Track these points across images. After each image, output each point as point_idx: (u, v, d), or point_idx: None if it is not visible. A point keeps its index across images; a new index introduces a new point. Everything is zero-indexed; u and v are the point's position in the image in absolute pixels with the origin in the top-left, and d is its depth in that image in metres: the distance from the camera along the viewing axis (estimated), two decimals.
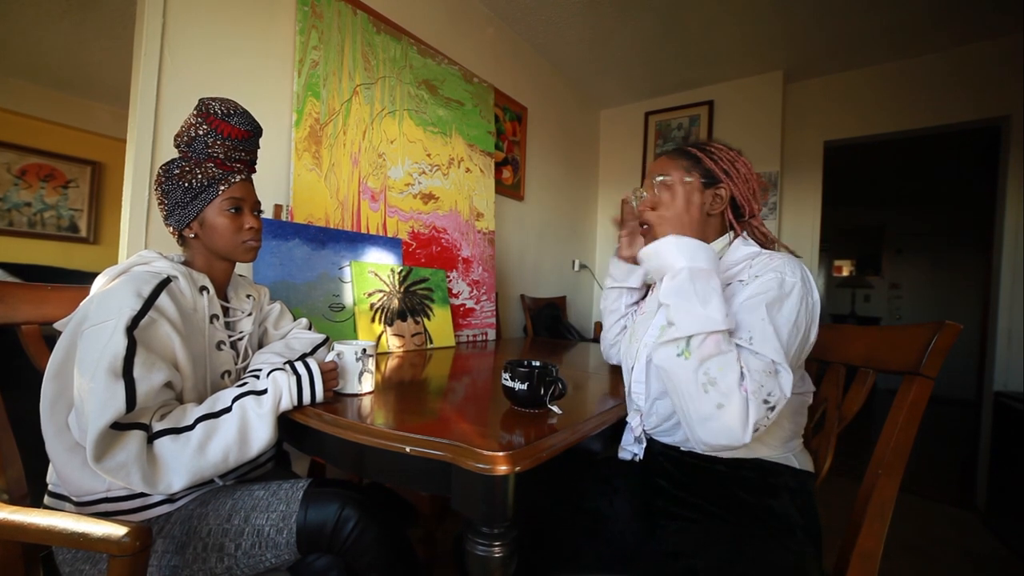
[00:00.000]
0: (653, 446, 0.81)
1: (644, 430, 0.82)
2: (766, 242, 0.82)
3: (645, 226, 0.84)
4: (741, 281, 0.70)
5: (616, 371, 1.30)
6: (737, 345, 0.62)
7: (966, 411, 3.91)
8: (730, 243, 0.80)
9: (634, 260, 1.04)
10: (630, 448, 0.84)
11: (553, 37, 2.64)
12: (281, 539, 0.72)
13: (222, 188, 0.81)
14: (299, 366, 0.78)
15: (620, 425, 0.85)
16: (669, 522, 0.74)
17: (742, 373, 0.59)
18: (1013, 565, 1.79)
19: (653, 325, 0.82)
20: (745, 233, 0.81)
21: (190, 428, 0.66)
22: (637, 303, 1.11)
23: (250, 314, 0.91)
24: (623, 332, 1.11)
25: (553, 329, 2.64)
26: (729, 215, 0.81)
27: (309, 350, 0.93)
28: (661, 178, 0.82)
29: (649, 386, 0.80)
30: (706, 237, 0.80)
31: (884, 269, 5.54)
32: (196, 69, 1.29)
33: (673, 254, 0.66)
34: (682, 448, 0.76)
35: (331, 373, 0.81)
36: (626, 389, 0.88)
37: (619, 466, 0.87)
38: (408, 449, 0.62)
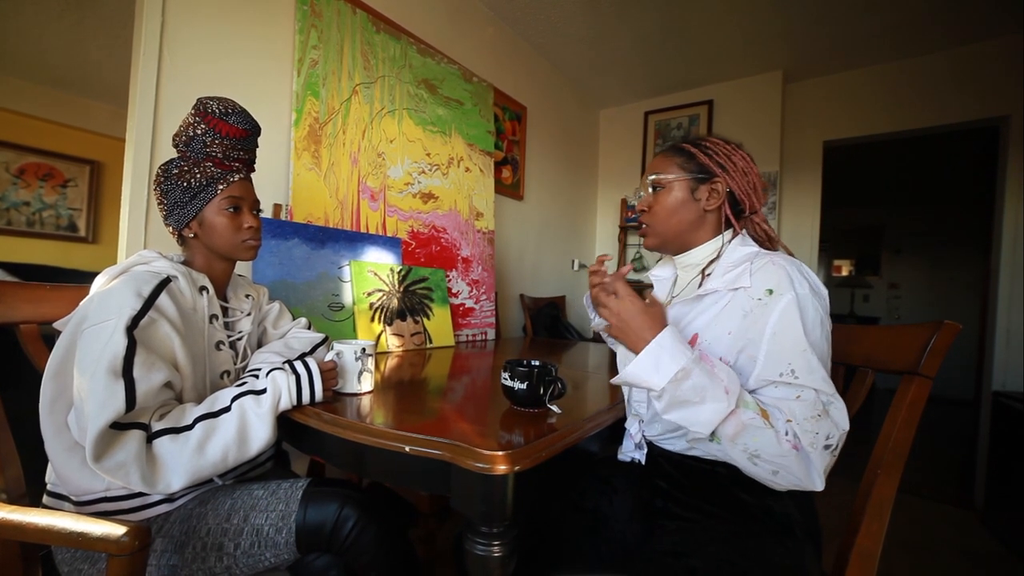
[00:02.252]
0: (653, 448, 0.81)
1: (644, 436, 0.82)
2: (767, 241, 0.79)
3: (643, 225, 0.84)
4: (747, 288, 0.68)
5: (615, 371, 1.30)
6: (778, 384, 0.61)
7: (965, 411, 3.91)
8: (727, 242, 0.78)
9: None
10: (630, 453, 0.84)
11: (553, 36, 2.64)
12: (280, 539, 0.72)
13: (221, 187, 0.81)
14: (298, 365, 0.78)
15: (620, 425, 0.85)
16: (669, 522, 0.74)
17: (779, 429, 0.58)
18: (1012, 564, 1.79)
19: None
20: (744, 232, 0.79)
21: (189, 428, 0.66)
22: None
23: (249, 314, 0.91)
24: None
25: (552, 329, 2.65)
26: (727, 210, 0.78)
27: (308, 349, 0.93)
28: (653, 177, 0.81)
29: (650, 402, 0.78)
30: (701, 236, 0.80)
31: (883, 269, 5.55)
32: (195, 68, 1.29)
33: (642, 378, 0.62)
34: (679, 452, 0.76)
35: (330, 372, 0.81)
36: (625, 397, 0.87)
37: (619, 466, 0.86)
38: (407, 448, 0.62)
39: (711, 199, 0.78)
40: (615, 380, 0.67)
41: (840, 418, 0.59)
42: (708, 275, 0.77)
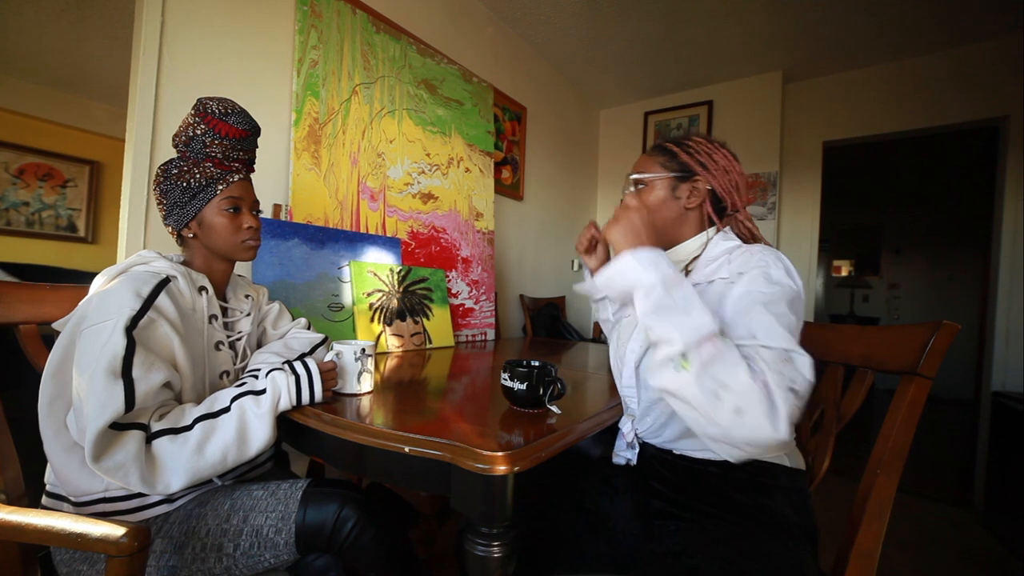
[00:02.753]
0: (646, 450, 0.81)
1: (636, 435, 0.82)
2: (751, 239, 0.80)
3: None
4: (724, 279, 0.69)
5: None
6: (742, 347, 0.59)
7: (964, 411, 3.92)
8: (708, 240, 0.79)
9: None
10: (623, 454, 0.84)
11: (552, 37, 2.64)
12: (280, 539, 0.72)
13: (220, 188, 0.81)
14: (298, 366, 0.78)
15: (619, 422, 0.85)
16: (667, 522, 0.74)
17: (752, 368, 0.55)
18: (1011, 564, 1.79)
19: (638, 329, 0.80)
20: (728, 229, 0.80)
21: (188, 428, 0.66)
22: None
23: (249, 314, 0.91)
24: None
25: (552, 329, 2.65)
26: (708, 209, 0.79)
27: (308, 350, 0.93)
28: (635, 175, 0.83)
29: (640, 391, 0.79)
30: (684, 233, 0.81)
31: (883, 269, 5.55)
32: (195, 68, 1.29)
33: (637, 271, 0.62)
34: (675, 452, 0.76)
35: (330, 373, 0.81)
36: (621, 398, 0.87)
37: (618, 466, 0.87)
38: (407, 449, 0.62)
39: (692, 197, 0.79)
40: (598, 276, 0.67)
41: (804, 367, 0.57)
42: (691, 271, 0.78)
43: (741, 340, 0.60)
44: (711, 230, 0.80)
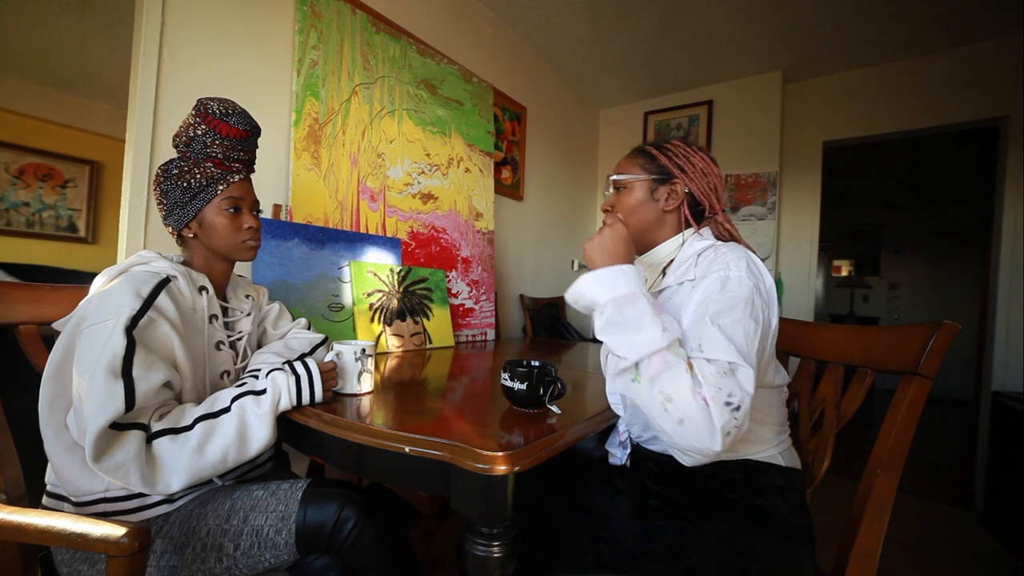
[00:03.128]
0: (640, 451, 0.81)
1: (630, 436, 0.83)
2: (730, 240, 0.81)
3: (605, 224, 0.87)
4: (691, 281, 0.71)
5: None
6: (692, 358, 0.62)
7: (964, 411, 3.91)
8: (684, 241, 0.81)
9: None
10: (614, 450, 0.84)
11: (552, 37, 2.64)
12: (280, 539, 0.72)
13: (221, 188, 0.81)
14: (298, 366, 0.78)
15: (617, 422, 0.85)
16: (665, 522, 0.74)
17: (696, 381, 0.58)
18: (1011, 564, 1.79)
19: None
20: (703, 230, 0.81)
21: (189, 428, 0.66)
22: None
23: (249, 314, 0.91)
24: None
25: (552, 329, 2.64)
26: (686, 211, 0.81)
27: (308, 350, 0.93)
28: (615, 177, 0.85)
29: (625, 399, 0.80)
30: (661, 235, 0.83)
31: (883, 269, 5.55)
32: (195, 68, 1.29)
33: (593, 291, 0.66)
34: (661, 453, 0.77)
35: (330, 373, 0.81)
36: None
37: (618, 466, 0.87)
38: (407, 449, 0.62)
39: (670, 199, 0.81)
40: (568, 295, 0.71)
41: (745, 380, 0.59)
42: (667, 274, 0.81)
43: (691, 352, 0.63)
44: (687, 231, 0.82)
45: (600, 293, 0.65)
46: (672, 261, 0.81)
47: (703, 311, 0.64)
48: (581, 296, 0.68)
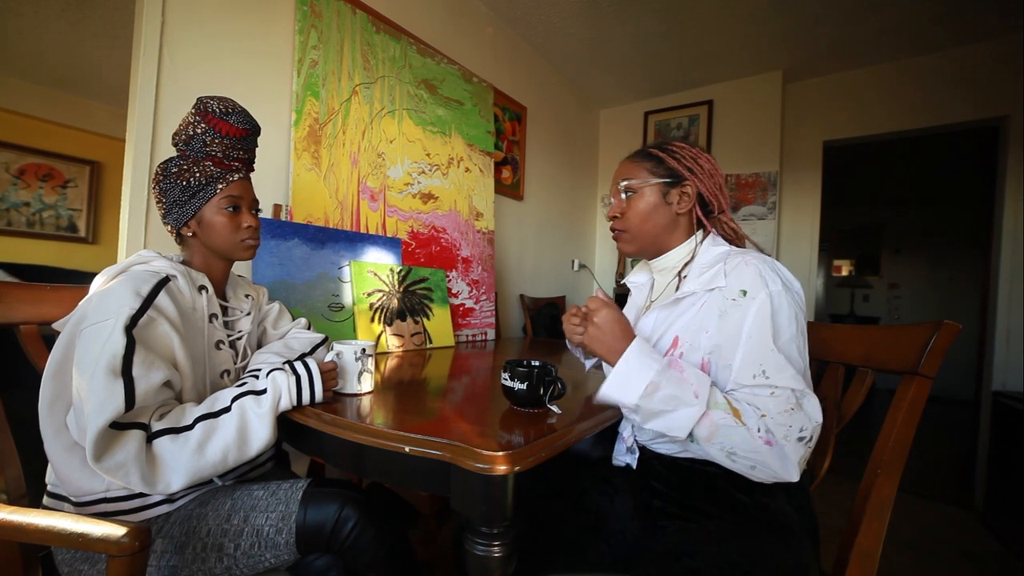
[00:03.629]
0: (646, 452, 0.81)
1: (636, 440, 0.82)
2: (735, 238, 0.82)
3: (615, 231, 0.86)
4: (720, 288, 0.70)
5: None
6: (751, 387, 0.63)
7: (964, 411, 3.91)
8: (700, 242, 0.80)
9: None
10: (623, 458, 0.84)
11: (552, 36, 2.64)
12: (280, 539, 0.72)
13: (220, 187, 0.81)
14: (298, 366, 0.78)
15: (619, 425, 0.85)
16: (668, 522, 0.74)
17: (759, 428, 0.60)
18: (1011, 564, 1.79)
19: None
20: (714, 232, 0.81)
21: (189, 428, 0.66)
22: None
23: (249, 313, 0.91)
24: None
25: (552, 329, 2.64)
26: (698, 212, 0.81)
27: (308, 350, 0.93)
28: (625, 182, 0.82)
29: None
30: (674, 239, 0.82)
31: (883, 269, 5.55)
32: (195, 68, 1.29)
33: (617, 397, 0.66)
34: (670, 455, 0.76)
35: (330, 373, 0.81)
36: None
37: (620, 466, 0.87)
38: (407, 449, 0.62)
39: (682, 202, 0.80)
40: (596, 399, 0.69)
41: (812, 410, 0.61)
42: (684, 277, 0.79)
43: (752, 380, 0.63)
44: (698, 234, 0.82)
45: (624, 396, 0.65)
46: (687, 264, 0.80)
47: (762, 335, 0.64)
48: (608, 400, 0.68)
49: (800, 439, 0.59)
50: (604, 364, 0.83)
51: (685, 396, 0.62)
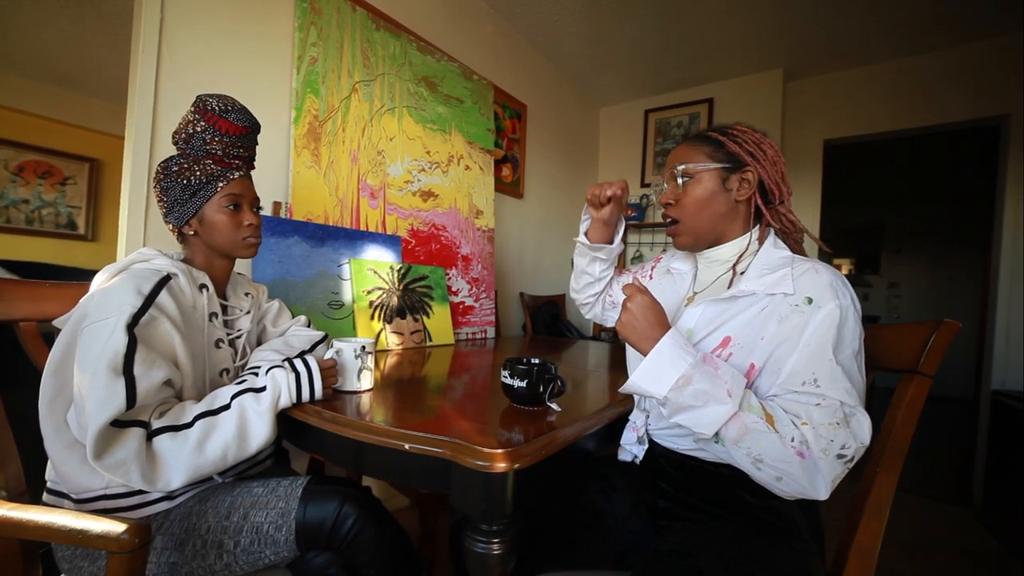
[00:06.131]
0: (654, 448, 0.80)
1: (648, 431, 0.81)
2: (794, 231, 0.77)
3: (669, 219, 0.80)
4: (786, 295, 0.65)
5: (615, 369, 1.30)
6: (798, 393, 0.60)
7: (964, 409, 3.91)
8: (755, 239, 0.75)
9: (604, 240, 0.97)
10: (631, 448, 0.83)
11: (553, 34, 2.63)
12: (280, 536, 0.72)
13: (221, 185, 0.81)
14: (298, 363, 0.78)
15: (618, 424, 0.85)
16: (673, 522, 0.74)
17: (793, 437, 0.57)
18: (1010, 563, 1.80)
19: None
20: (772, 226, 0.75)
21: (189, 426, 0.66)
22: (616, 270, 1.04)
23: (248, 312, 0.91)
24: (596, 297, 1.04)
25: (552, 327, 2.65)
26: (758, 200, 0.75)
27: (308, 347, 0.93)
28: (682, 167, 0.76)
29: (652, 404, 0.78)
30: (732, 230, 0.77)
31: (883, 268, 5.55)
32: (194, 66, 1.29)
33: (646, 388, 0.63)
34: (682, 452, 0.75)
35: (330, 370, 0.81)
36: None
37: (618, 464, 0.86)
38: (407, 446, 0.62)
39: (742, 189, 0.74)
40: (622, 388, 0.66)
41: (860, 430, 0.58)
42: (742, 274, 0.73)
43: (801, 386, 0.60)
44: (755, 230, 0.77)
45: (654, 387, 0.62)
46: (741, 258, 0.75)
47: (822, 344, 0.60)
48: (636, 391, 0.64)
49: (840, 456, 0.56)
50: (631, 352, 0.79)
51: (717, 393, 0.59)
